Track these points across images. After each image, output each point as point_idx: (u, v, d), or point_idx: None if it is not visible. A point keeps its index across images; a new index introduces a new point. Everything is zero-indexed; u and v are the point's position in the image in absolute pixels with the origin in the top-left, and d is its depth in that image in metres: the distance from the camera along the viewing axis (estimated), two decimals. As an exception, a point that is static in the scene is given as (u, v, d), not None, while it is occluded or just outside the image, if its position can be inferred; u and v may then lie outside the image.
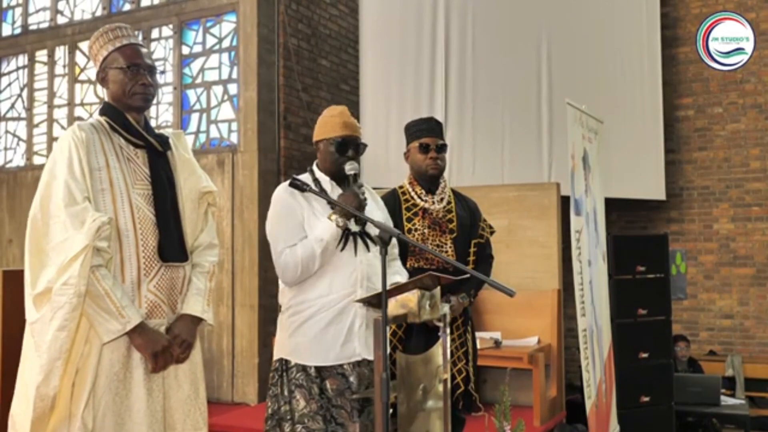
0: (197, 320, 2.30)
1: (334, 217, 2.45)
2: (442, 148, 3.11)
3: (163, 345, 2.16)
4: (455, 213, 3.14)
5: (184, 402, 2.28)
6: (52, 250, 2.05)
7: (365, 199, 2.52)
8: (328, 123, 2.62)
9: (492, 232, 3.31)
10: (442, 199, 3.14)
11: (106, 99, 2.31)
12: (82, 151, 2.13)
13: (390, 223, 2.76)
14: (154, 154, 2.28)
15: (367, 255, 2.52)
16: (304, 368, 2.47)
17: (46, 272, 2.05)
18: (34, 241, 2.09)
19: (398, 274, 2.64)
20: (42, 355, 2.01)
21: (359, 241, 2.52)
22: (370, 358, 2.45)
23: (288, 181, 2.52)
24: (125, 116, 2.25)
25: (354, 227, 2.52)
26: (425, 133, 3.11)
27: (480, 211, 3.29)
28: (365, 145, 2.65)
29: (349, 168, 2.53)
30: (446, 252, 3.05)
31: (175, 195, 2.31)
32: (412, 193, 3.12)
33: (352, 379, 2.46)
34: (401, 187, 3.17)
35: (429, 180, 3.13)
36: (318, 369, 2.46)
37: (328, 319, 2.47)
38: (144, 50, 2.33)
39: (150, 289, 2.19)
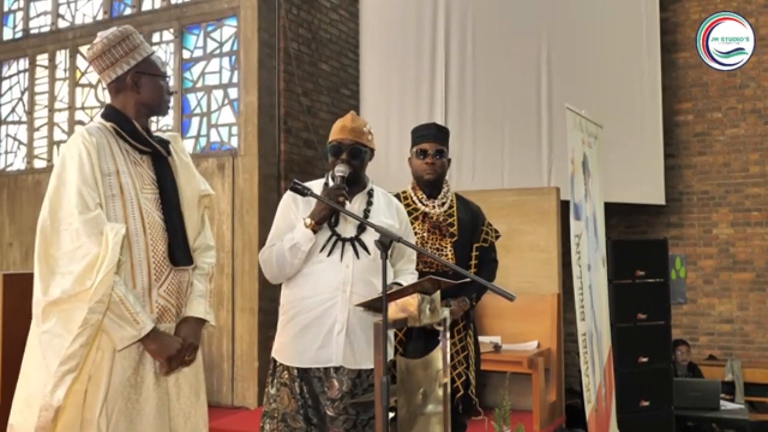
0: (201, 322, 2.32)
1: (305, 217, 2.48)
2: (439, 154, 3.13)
3: (176, 348, 2.18)
4: (456, 217, 3.15)
5: (184, 405, 2.29)
6: (62, 258, 2.04)
7: (340, 195, 2.44)
8: (332, 129, 2.66)
9: (497, 237, 3.32)
10: (443, 204, 3.15)
11: (120, 103, 2.27)
12: (93, 156, 2.12)
13: (410, 231, 2.76)
14: (158, 158, 2.30)
15: (357, 261, 2.50)
16: (287, 368, 2.52)
17: (58, 280, 2.03)
18: (43, 248, 2.07)
19: (400, 276, 2.65)
20: (55, 367, 1.99)
21: (348, 247, 2.52)
22: (348, 366, 2.46)
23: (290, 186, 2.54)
24: (132, 123, 2.25)
25: (347, 233, 2.53)
26: (424, 139, 3.14)
27: (484, 216, 3.30)
28: (364, 149, 2.61)
29: (336, 170, 2.54)
30: (446, 256, 3.06)
31: (179, 199, 2.32)
32: (414, 198, 3.14)
33: (327, 384, 2.47)
34: (404, 191, 3.19)
35: (428, 184, 3.15)
36: (298, 370, 2.50)
37: (307, 322, 2.50)
38: None
39: (161, 294, 2.20)
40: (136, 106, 2.27)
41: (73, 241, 2.03)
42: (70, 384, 2.00)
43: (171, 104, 2.40)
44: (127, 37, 2.27)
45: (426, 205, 3.12)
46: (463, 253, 3.14)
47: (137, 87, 2.26)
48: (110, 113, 2.28)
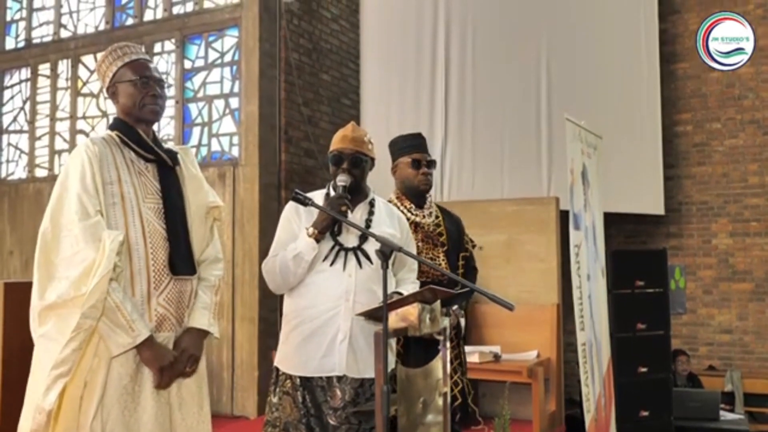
0: (204, 333, 2.32)
1: (307, 227, 2.48)
2: (431, 164, 3.15)
3: (169, 360, 2.18)
4: (444, 227, 3.18)
5: (186, 416, 2.29)
6: (60, 263, 2.05)
7: (342, 205, 2.45)
8: (333, 139, 2.67)
9: (474, 246, 3.36)
10: (430, 213, 3.18)
11: (117, 114, 2.35)
12: (95, 165, 2.15)
13: (411, 241, 2.77)
14: (164, 168, 2.31)
15: (359, 271, 2.51)
16: (290, 377, 2.53)
17: (55, 285, 2.04)
18: (43, 254, 2.09)
19: (401, 286, 2.66)
20: (47, 371, 2.01)
21: (351, 256, 2.52)
22: (351, 375, 2.46)
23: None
24: (136, 131, 2.28)
25: (350, 243, 2.54)
26: (416, 149, 3.14)
27: (463, 225, 3.34)
28: (365, 159, 2.62)
29: (338, 180, 2.56)
30: (440, 265, 3.07)
31: (184, 209, 2.33)
32: (402, 208, 3.13)
33: (330, 393, 2.47)
34: (389, 201, 3.18)
35: (418, 195, 3.16)
36: (301, 378, 2.50)
37: (310, 331, 2.50)
38: (152, 64, 2.37)
39: (160, 303, 2.20)
40: (127, 115, 2.30)
41: (72, 246, 2.05)
42: (62, 388, 2.01)
43: (169, 112, 2.41)
44: (113, 50, 2.32)
45: (416, 215, 3.13)
46: (453, 262, 3.17)
47: (116, 97, 2.31)
48: (115, 123, 2.33)
